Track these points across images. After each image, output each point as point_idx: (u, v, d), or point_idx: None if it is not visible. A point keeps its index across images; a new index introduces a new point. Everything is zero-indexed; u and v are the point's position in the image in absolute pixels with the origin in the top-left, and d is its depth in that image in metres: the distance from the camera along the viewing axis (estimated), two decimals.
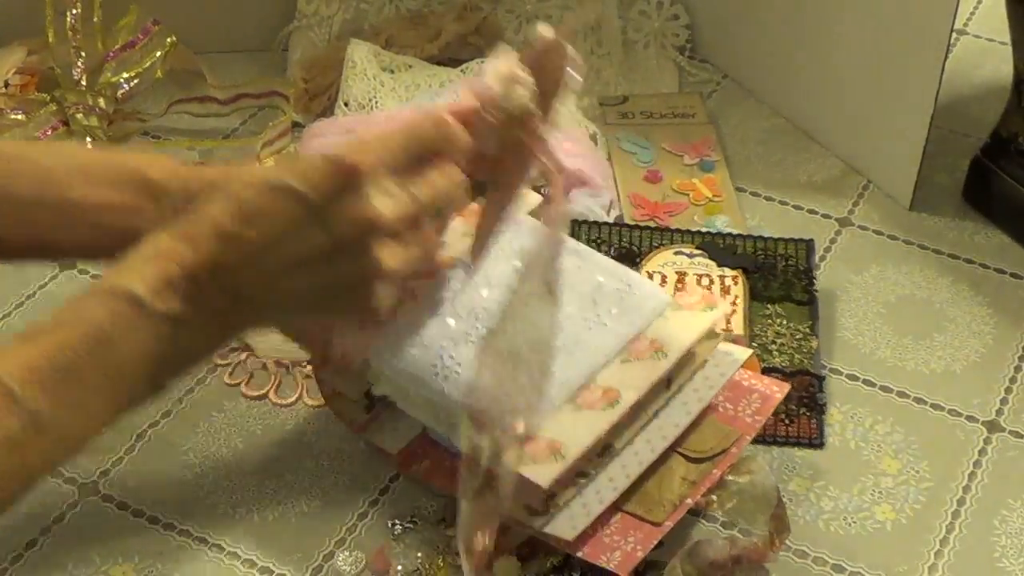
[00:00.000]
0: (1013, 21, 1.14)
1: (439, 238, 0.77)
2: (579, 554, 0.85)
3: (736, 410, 0.93)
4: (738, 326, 1.04)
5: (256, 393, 1.02)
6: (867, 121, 1.21)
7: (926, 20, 1.10)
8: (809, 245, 1.13)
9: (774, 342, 1.05)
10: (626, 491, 0.87)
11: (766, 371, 1.02)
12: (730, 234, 1.14)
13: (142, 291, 0.67)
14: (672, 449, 0.89)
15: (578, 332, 0.88)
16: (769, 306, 1.08)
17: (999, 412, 1.01)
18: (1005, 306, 1.10)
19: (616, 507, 0.87)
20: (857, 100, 1.21)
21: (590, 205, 1.13)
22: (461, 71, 1.24)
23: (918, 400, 1.02)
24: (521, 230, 0.88)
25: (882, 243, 1.16)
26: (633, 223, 1.14)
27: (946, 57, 1.11)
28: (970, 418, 1.01)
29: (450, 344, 0.85)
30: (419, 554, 0.90)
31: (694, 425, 0.91)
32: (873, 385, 1.03)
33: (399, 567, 0.90)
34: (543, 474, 0.82)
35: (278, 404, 1.01)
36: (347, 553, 0.91)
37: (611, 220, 1.14)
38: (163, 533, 0.92)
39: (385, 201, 0.69)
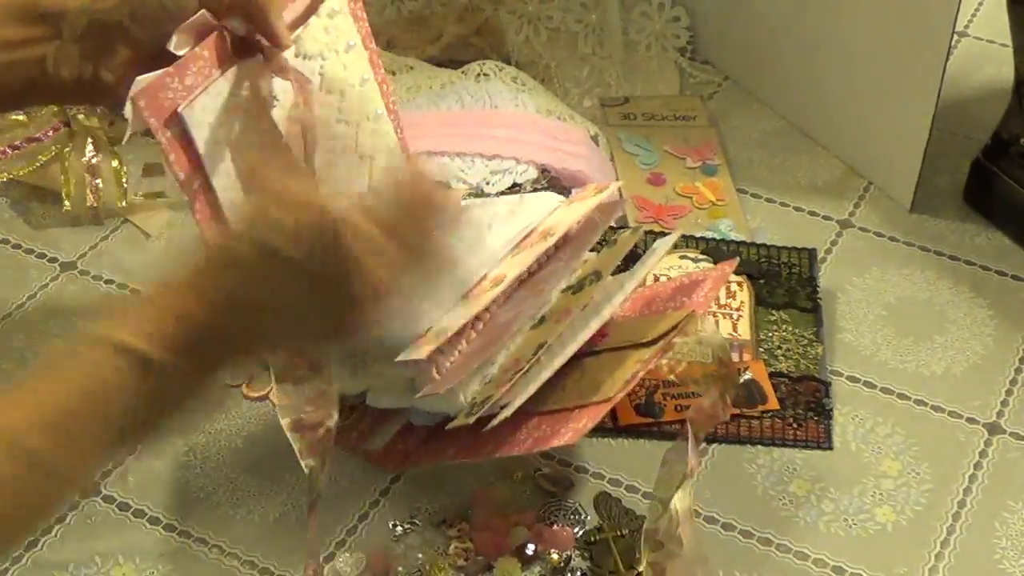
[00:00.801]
0: (1014, 23, 1.14)
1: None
2: (534, 449, 0.86)
3: (690, 299, 0.94)
4: (744, 331, 1.04)
5: (257, 394, 1.02)
6: (868, 123, 1.21)
7: (927, 22, 1.10)
8: (812, 254, 1.13)
9: (780, 347, 1.05)
10: (579, 387, 0.88)
11: (772, 375, 1.02)
12: (734, 240, 1.14)
13: (141, 345, 0.67)
14: (624, 347, 0.91)
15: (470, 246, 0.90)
16: (774, 312, 1.08)
17: (1000, 414, 1.01)
18: (1006, 308, 1.10)
19: (571, 407, 0.88)
20: (858, 102, 1.21)
21: None
22: (462, 72, 1.24)
23: (919, 402, 1.02)
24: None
25: (883, 245, 1.16)
26: (637, 226, 1.14)
27: (947, 59, 1.11)
28: (971, 420, 1.01)
29: None
30: (419, 555, 0.90)
31: (648, 318, 0.93)
32: (874, 387, 1.03)
33: (399, 568, 0.90)
34: (421, 350, 0.84)
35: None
36: (348, 554, 0.91)
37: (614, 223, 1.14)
38: (164, 534, 0.92)
39: (376, 259, 0.70)
